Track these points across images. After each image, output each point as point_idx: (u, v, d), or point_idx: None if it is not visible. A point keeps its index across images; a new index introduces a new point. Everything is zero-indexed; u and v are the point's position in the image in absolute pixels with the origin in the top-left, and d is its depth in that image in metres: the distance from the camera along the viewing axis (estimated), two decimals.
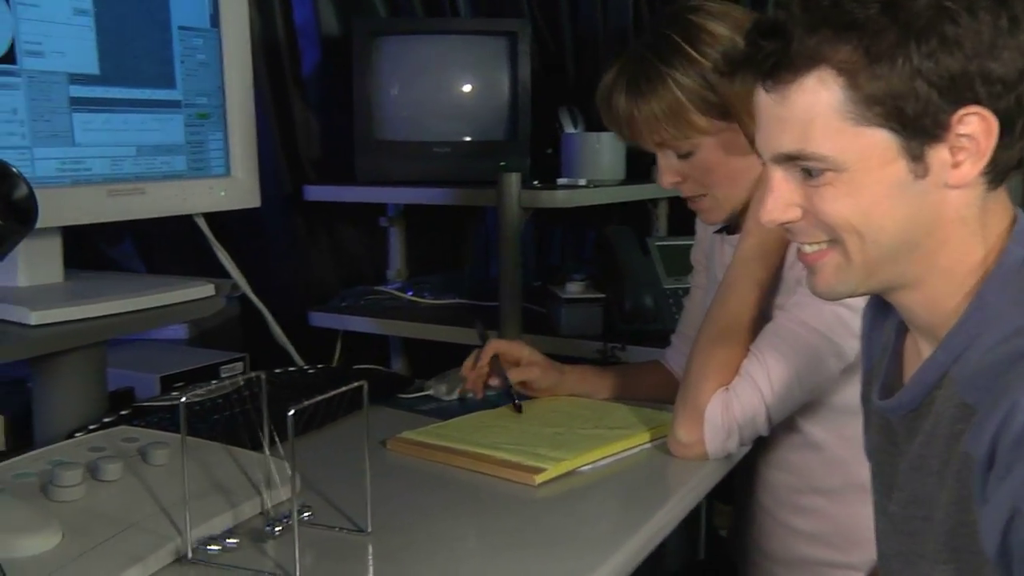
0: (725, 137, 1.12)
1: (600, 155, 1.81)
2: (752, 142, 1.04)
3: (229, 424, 1.13)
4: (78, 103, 1.17)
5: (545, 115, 2.01)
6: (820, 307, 1.07)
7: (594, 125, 2.04)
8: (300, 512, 0.89)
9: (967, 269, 0.75)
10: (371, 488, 0.89)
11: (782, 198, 0.76)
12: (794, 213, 0.77)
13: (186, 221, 1.46)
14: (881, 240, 0.74)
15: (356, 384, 0.85)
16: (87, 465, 0.91)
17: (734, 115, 1.10)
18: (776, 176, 0.77)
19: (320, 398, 0.81)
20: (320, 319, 1.90)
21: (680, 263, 1.71)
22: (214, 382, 1.39)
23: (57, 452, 0.96)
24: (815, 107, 0.72)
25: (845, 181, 0.73)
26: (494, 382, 1.28)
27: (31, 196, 0.52)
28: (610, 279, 1.68)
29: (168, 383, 1.38)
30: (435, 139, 1.88)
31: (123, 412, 1.18)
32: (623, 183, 1.87)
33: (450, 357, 1.91)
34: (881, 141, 0.71)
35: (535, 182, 1.78)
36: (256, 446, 0.99)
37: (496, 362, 1.28)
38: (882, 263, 0.75)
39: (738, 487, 1.33)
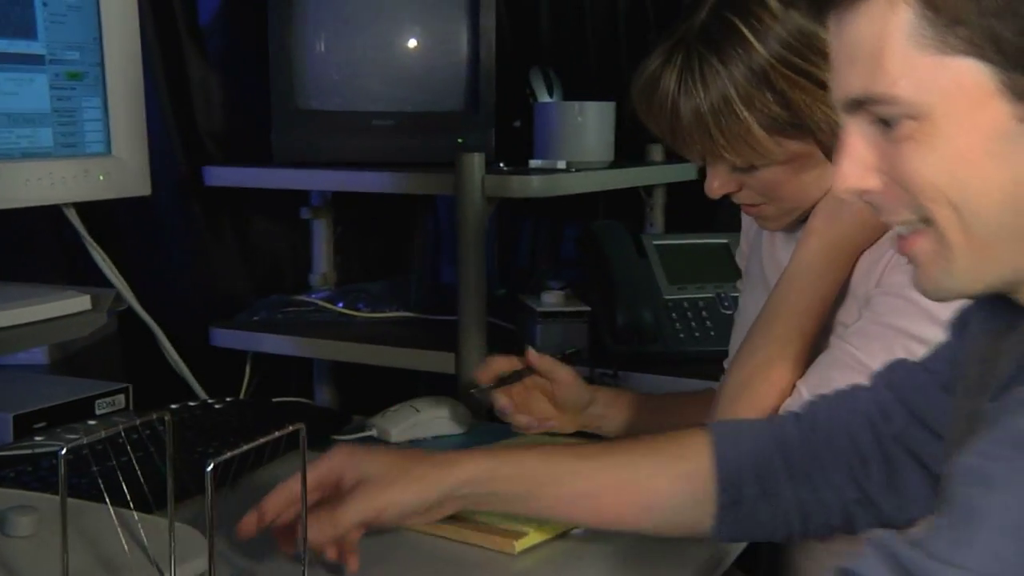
0: (799, 162, 1.12)
1: (583, 130, 1.80)
2: (830, 155, 1.01)
3: (114, 478, 1.08)
4: None
5: (512, 79, 1.99)
6: (890, 341, 1.06)
7: (575, 92, 2.03)
8: None
9: None
10: (309, 559, 0.88)
11: (859, 160, 0.74)
12: (874, 180, 0.74)
13: (44, 211, 1.40)
14: (983, 212, 0.70)
15: (293, 428, 0.82)
16: None
17: (809, 128, 1.08)
18: (851, 131, 0.75)
19: (249, 446, 0.78)
20: (225, 338, 1.86)
21: (685, 267, 1.71)
22: (92, 422, 1.34)
23: None
24: (884, 35, 0.70)
25: (928, 132, 0.70)
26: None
27: None
28: (597, 288, 1.67)
29: (25, 424, 1.33)
30: (374, 109, 1.85)
31: None
32: (612, 166, 1.86)
33: (392, 386, 1.89)
34: (970, 75, 0.68)
35: (501, 164, 1.76)
36: (151, 507, 0.96)
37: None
38: (992, 244, 0.71)
39: (766, 557, 1.32)
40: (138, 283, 1.53)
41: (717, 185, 1.18)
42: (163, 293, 1.82)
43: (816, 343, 1.13)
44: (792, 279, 1.14)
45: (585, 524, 1.01)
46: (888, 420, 0.95)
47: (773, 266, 1.24)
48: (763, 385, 1.10)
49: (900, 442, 0.94)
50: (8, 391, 1.41)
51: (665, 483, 0.98)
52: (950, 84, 0.69)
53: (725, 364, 1.39)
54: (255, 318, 1.91)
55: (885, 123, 0.72)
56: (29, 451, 1.19)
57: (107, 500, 0.93)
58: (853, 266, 1.14)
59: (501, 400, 1.28)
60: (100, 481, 1.08)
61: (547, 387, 1.32)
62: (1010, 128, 0.69)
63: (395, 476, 0.93)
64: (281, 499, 0.96)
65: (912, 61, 0.69)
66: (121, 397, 1.48)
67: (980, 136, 0.69)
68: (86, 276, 1.51)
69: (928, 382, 0.94)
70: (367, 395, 1.90)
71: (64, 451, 0.80)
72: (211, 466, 0.75)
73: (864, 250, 1.14)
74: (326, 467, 0.96)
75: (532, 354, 1.31)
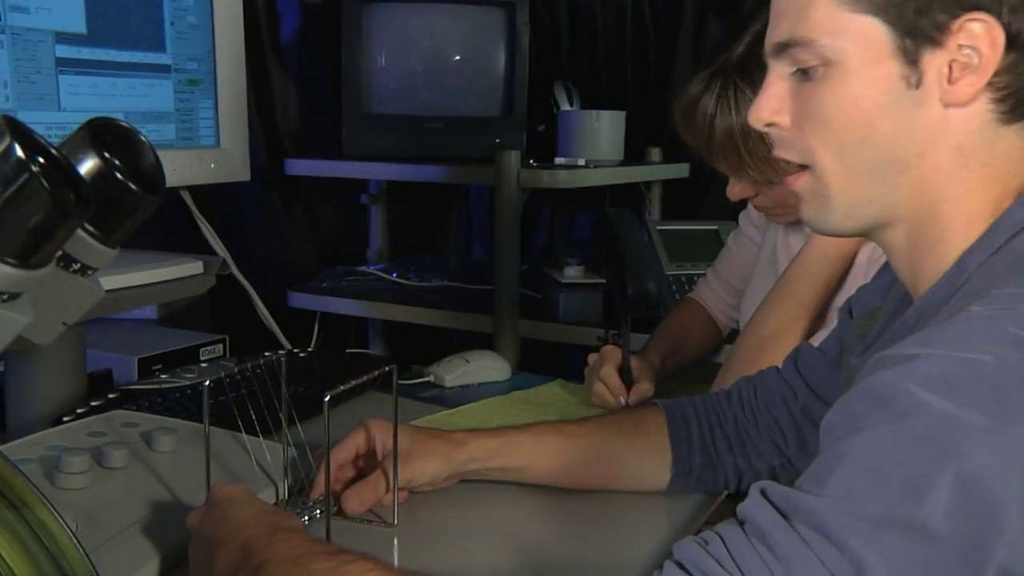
0: None
1: (599, 134, 1.81)
2: None
3: (223, 409, 1.11)
4: (64, 64, 1.14)
5: (538, 91, 2.01)
6: None
7: (590, 102, 2.05)
8: (319, 504, 0.88)
9: (962, 219, 0.70)
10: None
11: (776, 97, 0.73)
12: (784, 117, 0.73)
13: None
14: (863, 153, 0.70)
15: (387, 368, 0.85)
16: (91, 451, 0.89)
17: None
18: (773, 72, 0.74)
19: (355, 383, 0.81)
20: (299, 300, 1.88)
21: (682, 248, 1.73)
22: (204, 364, 1.37)
23: (55, 437, 0.95)
24: None
25: (837, 79, 0.70)
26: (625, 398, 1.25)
27: (159, 165, 0.51)
28: (610, 263, 1.66)
29: (146, 365, 1.35)
30: (426, 113, 1.86)
31: (111, 395, 1.17)
32: (620, 164, 1.87)
33: (435, 342, 1.92)
34: (874, 32, 0.69)
35: (531, 161, 1.77)
36: (254, 433, 0.97)
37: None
38: (865, 185, 0.71)
39: None
40: (230, 253, 1.56)
41: (738, 191, 1.18)
42: (248, 262, 1.85)
43: (816, 327, 1.14)
44: (804, 264, 1.14)
45: (568, 487, 0.99)
46: (795, 396, 0.95)
47: (785, 252, 1.24)
48: (773, 352, 1.10)
49: (805, 413, 0.94)
50: (129, 339, 1.43)
51: (632, 456, 0.99)
52: (858, 37, 0.69)
53: (709, 275, 1.43)
54: (323, 284, 1.93)
55: (804, 72, 0.72)
56: (169, 385, 1.21)
57: (240, 425, 0.94)
58: (853, 259, 1.15)
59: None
60: (214, 411, 1.12)
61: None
62: (898, 86, 0.69)
63: (419, 452, 0.92)
64: (340, 457, 0.93)
65: (831, 13, 0.70)
66: (220, 346, 1.49)
67: (875, 88, 0.69)
68: (183, 246, 1.53)
69: (822, 361, 0.94)
70: (410, 349, 1.93)
71: (208, 383, 0.83)
72: (328, 396, 0.79)
73: (863, 246, 1.14)
74: (364, 438, 0.94)
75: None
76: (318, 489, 0.90)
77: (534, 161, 1.77)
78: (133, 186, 0.49)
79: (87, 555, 0.44)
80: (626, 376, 1.24)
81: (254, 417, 0.96)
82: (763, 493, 0.61)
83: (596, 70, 2.18)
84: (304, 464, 0.93)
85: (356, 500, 0.90)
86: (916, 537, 0.55)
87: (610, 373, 1.24)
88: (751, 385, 1.00)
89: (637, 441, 1.00)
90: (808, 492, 0.58)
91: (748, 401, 0.99)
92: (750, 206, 1.36)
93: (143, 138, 0.51)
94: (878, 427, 0.58)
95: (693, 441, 0.99)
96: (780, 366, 0.99)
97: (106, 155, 0.48)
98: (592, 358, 1.29)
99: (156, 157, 0.52)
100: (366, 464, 0.95)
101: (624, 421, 1.03)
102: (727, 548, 0.59)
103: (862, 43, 0.69)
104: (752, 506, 0.60)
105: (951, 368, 0.58)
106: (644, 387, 1.23)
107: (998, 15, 0.67)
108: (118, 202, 0.49)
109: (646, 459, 0.99)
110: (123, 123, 0.51)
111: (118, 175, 0.48)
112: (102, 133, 0.49)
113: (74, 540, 0.44)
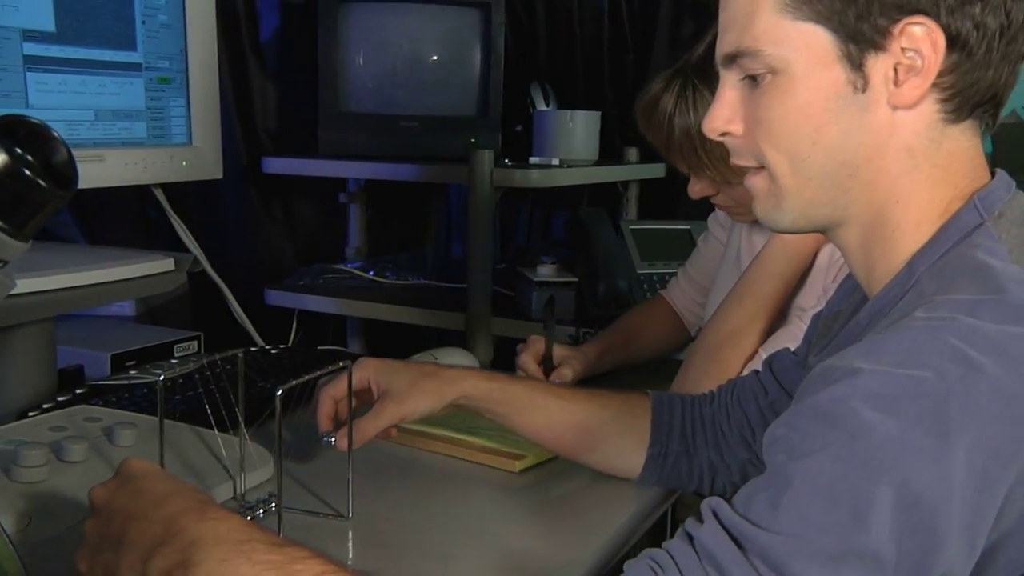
0: None
1: (574, 134, 1.81)
2: None
3: (192, 405, 1.12)
4: (32, 62, 1.14)
5: (515, 91, 2.01)
6: None
7: (566, 103, 2.05)
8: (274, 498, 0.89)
9: (912, 221, 0.71)
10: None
11: (727, 105, 0.74)
12: (736, 126, 0.75)
13: (130, 190, 1.41)
14: (813, 158, 0.71)
15: (342, 365, 0.85)
16: (50, 445, 0.89)
17: None
18: (725, 82, 0.75)
19: (308, 377, 0.81)
20: (276, 297, 1.88)
21: (655, 247, 1.73)
22: (173, 360, 1.37)
23: (15, 431, 0.95)
24: (756, 3, 0.71)
25: (784, 87, 0.70)
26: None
27: (71, 161, 0.51)
28: (583, 262, 1.69)
29: (119, 362, 1.35)
30: (402, 112, 1.86)
31: (79, 391, 1.16)
32: (596, 164, 1.88)
33: (413, 340, 1.92)
34: (818, 39, 0.69)
35: (506, 160, 1.77)
36: (221, 428, 0.98)
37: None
38: (816, 187, 0.72)
39: None
40: (206, 251, 1.56)
41: (698, 189, 1.18)
42: (226, 259, 1.85)
43: (776, 325, 1.14)
44: (764, 264, 1.15)
45: (545, 448, 1.03)
46: (765, 392, 0.97)
47: (748, 251, 1.24)
48: (733, 351, 1.11)
49: (772, 408, 0.95)
50: (104, 335, 1.43)
51: (613, 431, 1.00)
52: (802, 45, 0.69)
53: (679, 274, 1.43)
54: (301, 282, 1.93)
55: (753, 79, 0.73)
56: (131, 381, 1.21)
57: (200, 420, 0.94)
58: (813, 259, 1.15)
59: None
60: (180, 407, 1.12)
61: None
62: (846, 92, 0.69)
63: (412, 392, 0.97)
64: (334, 393, 0.98)
65: (774, 22, 0.70)
66: (194, 343, 1.49)
67: (822, 94, 0.70)
68: (163, 244, 1.54)
69: (792, 361, 0.96)
70: (389, 346, 1.93)
71: (163, 378, 0.83)
72: (280, 391, 0.79)
73: (823, 246, 1.15)
74: (359, 377, 0.98)
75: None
76: (323, 423, 0.95)
77: (509, 161, 1.77)
78: (42, 182, 0.49)
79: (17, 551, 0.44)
80: (547, 365, 1.25)
81: (210, 412, 0.96)
82: (716, 516, 0.61)
83: (573, 71, 2.18)
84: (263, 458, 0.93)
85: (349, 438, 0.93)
86: (868, 565, 0.56)
87: (527, 361, 1.26)
88: (731, 386, 1.02)
89: (621, 419, 1.01)
90: (759, 523, 0.59)
91: (725, 399, 1.01)
92: None
93: (56, 134, 0.52)
94: (826, 450, 0.58)
95: (674, 428, 1.01)
96: (759, 367, 1.01)
97: (16, 151, 0.48)
98: (520, 348, 1.30)
99: (69, 153, 0.53)
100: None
101: (613, 398, 1.04)
102: None
103: (806, 50, 0.70)
104: (707, 533, 0.60)
105: (894, 385, 0.59)
106: (563, 372, 1.25)
107: (936, 17, 0.68)
108: (27, 197, 0.50)
109: (626, 436, 1.01)
110: (34, 120, 0.51)
111: (26, 171, 0.49)
112: (13, 130, 0.49)
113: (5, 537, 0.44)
